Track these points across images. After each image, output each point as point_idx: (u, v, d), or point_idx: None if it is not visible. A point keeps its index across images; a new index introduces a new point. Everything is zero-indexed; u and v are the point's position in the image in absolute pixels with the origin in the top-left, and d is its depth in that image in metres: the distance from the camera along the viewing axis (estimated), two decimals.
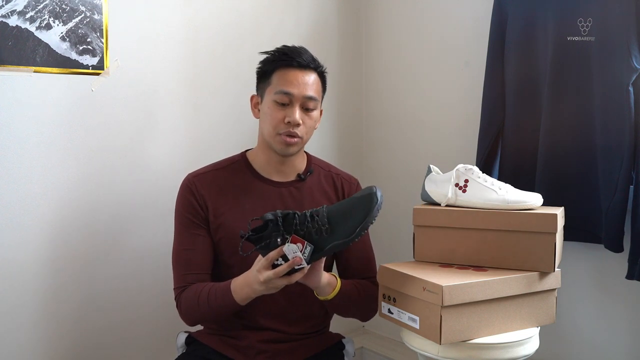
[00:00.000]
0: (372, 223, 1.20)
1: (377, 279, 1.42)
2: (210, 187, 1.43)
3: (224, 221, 1.41)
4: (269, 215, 1.20)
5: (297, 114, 1.37)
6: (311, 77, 1.40)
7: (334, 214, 1.21)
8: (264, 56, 1.45)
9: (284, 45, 1.44)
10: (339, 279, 1.38)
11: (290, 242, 1.19)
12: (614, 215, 1.52)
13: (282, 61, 1.39)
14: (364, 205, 1.20)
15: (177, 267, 1.42)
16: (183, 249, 1.41)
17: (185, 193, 1.43)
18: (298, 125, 1.38)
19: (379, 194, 1.20)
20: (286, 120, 1.37)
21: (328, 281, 1.34)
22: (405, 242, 1.55)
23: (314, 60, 1.42)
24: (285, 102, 1.38)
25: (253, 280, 1.25)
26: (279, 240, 1.19)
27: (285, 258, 1.19)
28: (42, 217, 1.61)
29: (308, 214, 1.21)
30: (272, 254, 1.20)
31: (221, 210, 1.42)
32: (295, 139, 1.39)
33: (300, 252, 1.19)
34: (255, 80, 1.47)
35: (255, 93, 1.48)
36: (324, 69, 1.45)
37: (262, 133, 1.44)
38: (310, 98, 1.39)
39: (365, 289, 1.45)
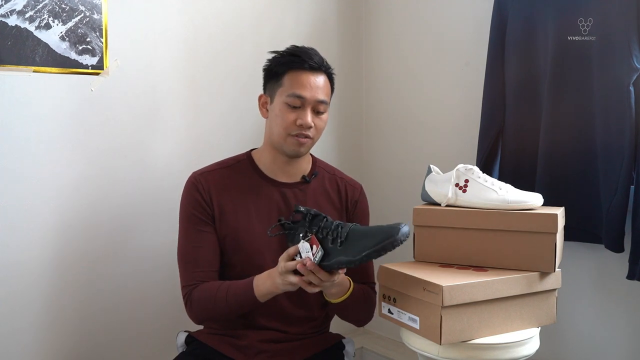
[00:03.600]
0: (381, 254, 1.18)
1: (377, 279, 1.42)
2: (216, 185, 1.43)
3: (228, 220, 1.41)
4: (301, 208, 1.25)
5: (309, 117, 1.37)
6: (321, 80, 1.41)
7: (355, 232, 1.21)
8: (272, 55, 1.44)
9: (293, 46, 1.44)
10: (352, 283, 1.38)
11: (308, 241, 1.22)
12: (614, 215, 1.52)
13: (293, 63, 1.39)
14: (384, 234, 1.17)
15: (185, 265, 1.41)
16: (191, 247, 1.40)
17: (191, 190, 1.42)
18: (310, 127, 1.38)
19: (403, 230, 1.16)
20: (298, 122, 1.37)
21: (341, 285, 1.34)
22: (405, 242, 1.55)
23: (323, 62, 1.42)
24: (297, 105, 1.38)
25: (275, 272, 1.27)
26: (301, 235, 1.23)
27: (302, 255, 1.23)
28: (42, 216, 1.60)
29: (335, 223, 1.23)
30: (291, 249, 1.24)
31: (226, 209, 1.42)
32: (307, 140, 1.39)
33: (313, 254, 1.20)
34: (263, 79, 1.46)
35: (263, 92, 1.47)
36: (332, 70, 1.45)
37: (271, 134, 1.43)
38: (322, 102, 1.40)
39: (366, 295, 1.46)
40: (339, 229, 1.21)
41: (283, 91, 1.39)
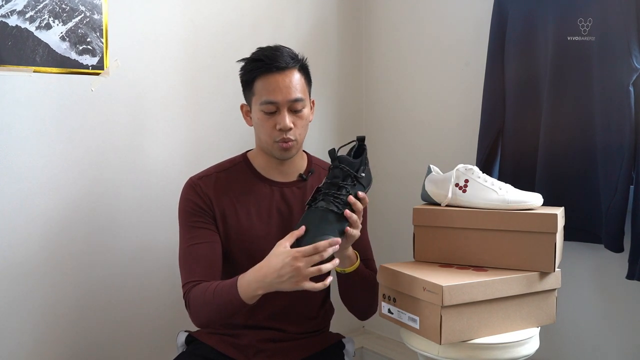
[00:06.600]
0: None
1: (377, 279, 1.42)
2: (214, 189, 1.42)
3: (230, 222, 1.41)
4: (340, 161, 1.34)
5: (287, 120, 1.35)
6: (293, 77, 1.37)
7: (320, 213, 1.26)
8: (241, 64, 1.42)
9: (259, 49, 1.41)
10: (358, 257, 1.40)
11: None
12: (614, 215, 1.52)
13: (259, 68, 1.36)
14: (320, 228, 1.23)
15: (185, 263, 1.37)
16: (189, 244, 1.37)
17: (189, 192, 1.41)
18: (290, 129, 1.37)
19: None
20: (277, 127, 1.36)
21: (348, 254, 1.36)
22: (405, 242, 1.55)
23: (292, 57, 1.38)
24: (272, 110, 1.36)
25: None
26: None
27: None
28: (42, 216, 1.60)
29: (326, 199, 1.28)
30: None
31: (227, 212, 1.41)
32: (291, 143, 1.38)
33: None
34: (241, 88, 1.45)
35: (244, 102, 1.46)
36: (304, 61, 1.42)
37: (259, 141, 1.44)
38: (296, 100, 1.36)
39: (371, 278, 1.44)
40: (333, 192, 1.29)
41: (256, 100, 1.38)
